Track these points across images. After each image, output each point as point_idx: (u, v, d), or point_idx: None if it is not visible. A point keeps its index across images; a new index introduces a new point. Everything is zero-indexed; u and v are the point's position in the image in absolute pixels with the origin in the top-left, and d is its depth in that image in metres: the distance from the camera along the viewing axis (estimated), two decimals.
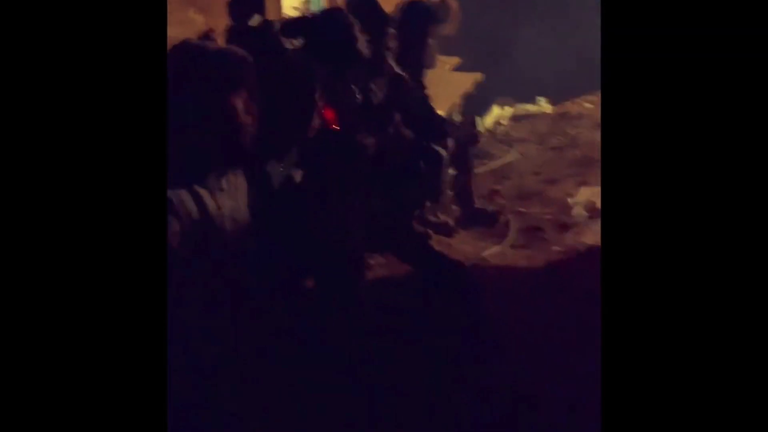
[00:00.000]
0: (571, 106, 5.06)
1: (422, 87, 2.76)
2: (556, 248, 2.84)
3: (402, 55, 2.60)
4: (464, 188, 3.06)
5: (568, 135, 4.43)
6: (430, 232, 2.79)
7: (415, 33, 2.71)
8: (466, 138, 2.84)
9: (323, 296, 2.06)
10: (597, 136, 4.28)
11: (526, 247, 2.90)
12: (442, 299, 2.18)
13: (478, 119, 2.94)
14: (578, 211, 3.12)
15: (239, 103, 1.53)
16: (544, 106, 5.09)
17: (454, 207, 3.05)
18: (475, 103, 4.01)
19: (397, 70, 2.55)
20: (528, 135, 4.57)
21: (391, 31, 2.60)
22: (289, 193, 2.14)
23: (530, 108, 5.02)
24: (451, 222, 2.96)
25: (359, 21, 2.38)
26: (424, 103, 2.72)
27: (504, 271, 2.66)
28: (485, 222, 3.09)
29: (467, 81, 3.87)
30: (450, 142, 2.74)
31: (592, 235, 2.89)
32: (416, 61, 2.70)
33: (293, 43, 2.32)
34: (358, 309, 2.06)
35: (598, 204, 3.11)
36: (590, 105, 5.04)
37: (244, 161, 1.64)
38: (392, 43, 2.59)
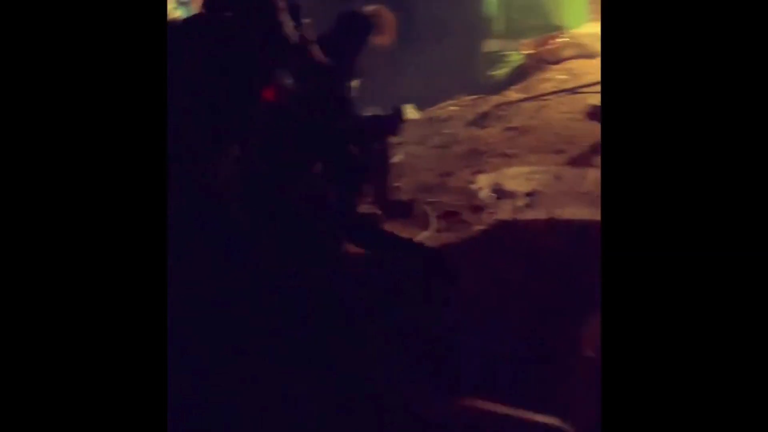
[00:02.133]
0: (438, 111, 5.34)
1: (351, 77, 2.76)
2: (477, 227, 2.96)
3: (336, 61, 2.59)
4: (382, 180, 3.08)
5: (445, 134, 4.66)
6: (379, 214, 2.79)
7: (351, 42, 2.72)
8: (392, 129, 2.87)
9: (298, 286, 1.95)
10: (475, 131, 4.57)
11: (449, 230, 2.99)
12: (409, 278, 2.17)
13: (404, 109, 2.98)
14: (485, 194, 3.29)
15: None
16: (411, 112, 5.31)
17: (373, 198, 3.05)
18: None
19: (324, 59, 2.52)
20: (406, 138, 4.73)
21: (307, 21, 2.58)
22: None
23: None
24: (378, 212, 2.96)
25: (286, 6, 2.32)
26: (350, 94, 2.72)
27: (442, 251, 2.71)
28: (403, 212, 3.13)
29: None
30: (375, 135, 2.76)
31: (505, 213, 3.07)
32: (350, 68, 2.71)
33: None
34: (333, 294, 1.98)
35: (506, 186, 3.31)
36: (455, 108, 5.36)
37: None
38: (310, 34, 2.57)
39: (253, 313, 1.76)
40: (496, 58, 5.74)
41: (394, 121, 2.78)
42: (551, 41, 5.72)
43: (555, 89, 5.13)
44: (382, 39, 2.94)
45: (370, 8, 2.90)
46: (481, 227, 2.96)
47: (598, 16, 5.96)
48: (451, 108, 5.36)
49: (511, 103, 4.94)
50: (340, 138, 2.51)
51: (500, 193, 3.26)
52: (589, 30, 5.74)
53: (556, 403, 1.77)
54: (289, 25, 2.32)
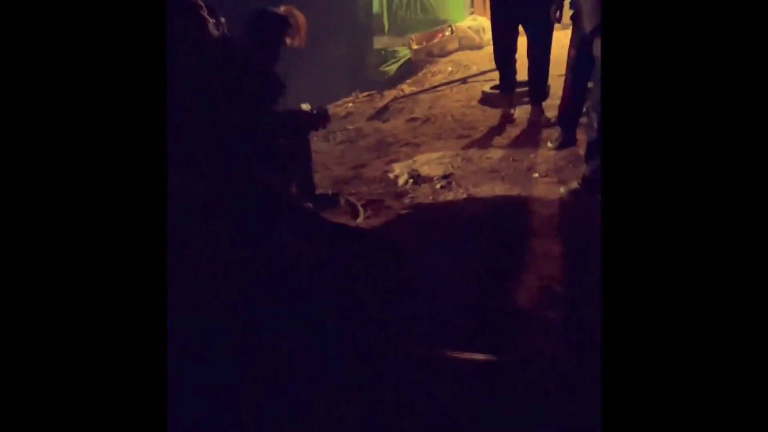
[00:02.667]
0: (336, 108, 5.43)
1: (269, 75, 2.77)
2: (404, 212, 3.09)
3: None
4: (308, 174, 3.13)
5: (349, 129, 4.76)
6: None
7: (267, 40, 2.73)
8: (319, 125, 2.92)
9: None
10: (378, 125, 4.71)
11: (377, 216, 3.10)
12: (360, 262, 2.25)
13: (329, 108, 3.05)
14: (404, 180, 3.43)
15: None
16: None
17: (300, 192, 3.09)
18: None
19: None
20: (310, 135, 4.79)
21: (222, 19, 2.58)
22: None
23: None
24: (311, 206, 3.00)
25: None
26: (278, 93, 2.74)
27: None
28: (330, 204, 3.19)
29: None
30: (299, 130, 2.80)
31: (425, 197, 3.23)
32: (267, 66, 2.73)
33: None
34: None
35: (424, 171, 3.48)
36: (352, 104, 5.48)
37: None
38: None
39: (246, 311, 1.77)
40: (386, 55, 5.94)
41: (320, 117, 2.84)
42: (437, 36, 6.00)
43: (445, 81, 5.40)
44: (294, 39, 2.98)
45: (282, 8, 2.94)
46: (407, 211, 3.10)
47: (478, 10, 6.34)
48: (350, 104, 5.47)
49: (407, 96, 5.14)
50: (268, 132, 2.54)
51: (417, 178, 3.42)
52: (471, 23, 6.09)
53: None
54: (211, 24, 2.33)
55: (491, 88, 4.59)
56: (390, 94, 5.37)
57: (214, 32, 2.33)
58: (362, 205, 3.21)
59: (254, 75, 2.44)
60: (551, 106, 3.97)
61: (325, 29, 5.53)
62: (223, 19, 2.61)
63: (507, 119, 4.13)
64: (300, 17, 3.00)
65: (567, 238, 2.63)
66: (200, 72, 2.13)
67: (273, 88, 2.42)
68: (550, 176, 3.22)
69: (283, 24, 2.87)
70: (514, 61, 4.03)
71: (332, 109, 5.45)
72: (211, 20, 2.33)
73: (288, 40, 2.96)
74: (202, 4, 2.30)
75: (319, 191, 3.29)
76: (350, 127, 4.85)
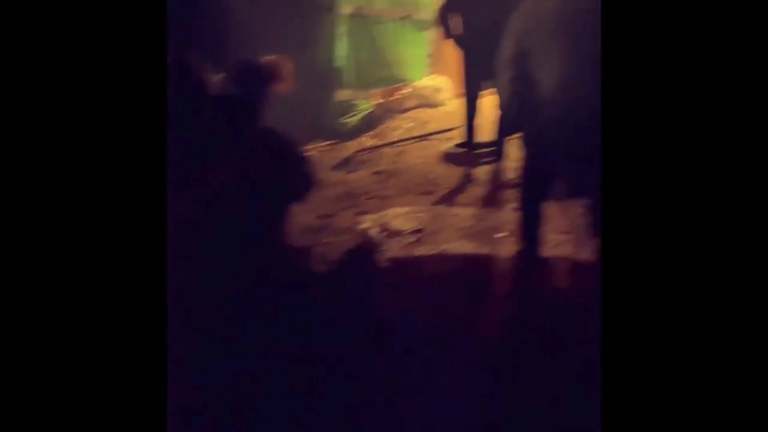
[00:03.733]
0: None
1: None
2: (377, 265, 3.16)
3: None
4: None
5: None
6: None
7: (249, 92, 2.78)
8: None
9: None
10: (343, 175, 4.80)
11: (349, 268, 3.14)
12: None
13: None
14: (375, 233, 3.51)
15: None
16: None
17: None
18: None
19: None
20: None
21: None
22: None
23: None
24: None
25: None
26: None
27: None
28: (301, 257, 3.22)
29: None
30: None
31: (396, 250, 3.31)
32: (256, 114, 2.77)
33: None
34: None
35: (394, 225, 3.56)
36: (314, 152, 5.55)
37: None
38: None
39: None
40: (348, 107, 6.07)
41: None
42: (397, 92, 6.22)
43: (405, 136, 5.58)
44: (281, 86, 3.05)
45: (270, 58, 3.01)
46: (379, 264, 3.16)
47: (436, 70, 6.61)
48: (311, 153, 5.54)
49: (370, 148, 5.27)
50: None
51: (388, 232, 3.50)
52: (430, 82, 6.35)
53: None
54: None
55: (456, 145, 4.79)
56: (352, 145, 5.49)
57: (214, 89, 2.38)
58: (334, 260, 3.25)
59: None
60: (513, 169, 4.17)
61: None
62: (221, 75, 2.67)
63: (470, 178, 4.31)
64: (288, 65, 3.08)
65: (526, 300, 2.76)
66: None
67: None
68: (514, 236, 3.37)
69: (270, 73, 2.93)
70: (476, 120, 4.26)
71: None
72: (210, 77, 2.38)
73: (275, 88, 3.02)
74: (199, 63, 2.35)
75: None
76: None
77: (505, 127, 4.35)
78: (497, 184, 4.19)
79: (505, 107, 4.19)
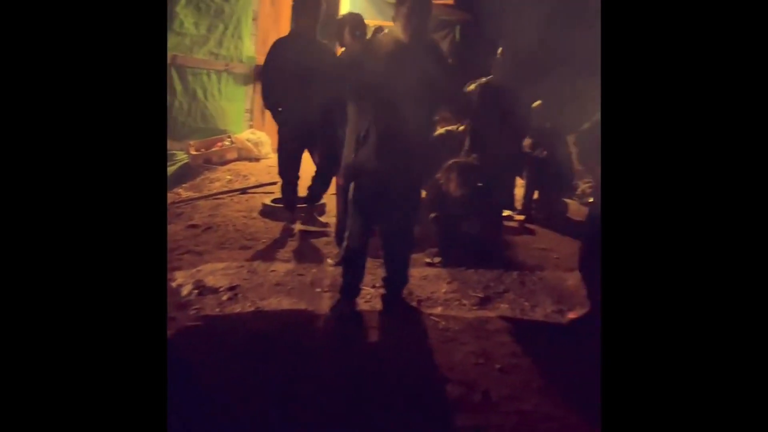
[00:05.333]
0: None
1: None
2: (189, 324, 3.02)
3: None
4: None
5: None
6: None
7: None
8: None
9: None
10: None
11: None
12: None
13: None
14: (188, 290, 3.36)
15: None
16: None
17: None
18: None
19: None
20: None
21: None
22: None
23: None
24: None
25: None
26: None
27: None
28: None
29: None
30: None
31: (211, 308, 3.20)
32: None
33: None
34: None
35: (209, 282, 3.45)
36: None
37: None
38: None
39: None
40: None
41: None
42: (216, 144, 6.11)
43: (224, 189, 5.48)
44: None
45: None
46: (191, 323, 3.03)
47: (256, 124, 6.63)
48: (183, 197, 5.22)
49: (185, 201, 5.09)
50: None
51: (203, 289, 3.38)
52: (250, 136, 6.34)
53: None
54: None
55: (272, 201, 4.80)
56: (167, 197, 5.25)
57: None
58: None
59: None
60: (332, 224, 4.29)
61: None
62: None
63: (288, 233, 4.34)
64: None
65: (346, 356, 2.83)
66: None
67: None
68: (332, 291, 3.44)
69: None
70: (297, 176, 4.34)
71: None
72: None
73: None
74: None
75: None
76: None
77: (323, 184, 4.50)
78: (315, 238, 4.26)
79: (322, 165, 4.37)
